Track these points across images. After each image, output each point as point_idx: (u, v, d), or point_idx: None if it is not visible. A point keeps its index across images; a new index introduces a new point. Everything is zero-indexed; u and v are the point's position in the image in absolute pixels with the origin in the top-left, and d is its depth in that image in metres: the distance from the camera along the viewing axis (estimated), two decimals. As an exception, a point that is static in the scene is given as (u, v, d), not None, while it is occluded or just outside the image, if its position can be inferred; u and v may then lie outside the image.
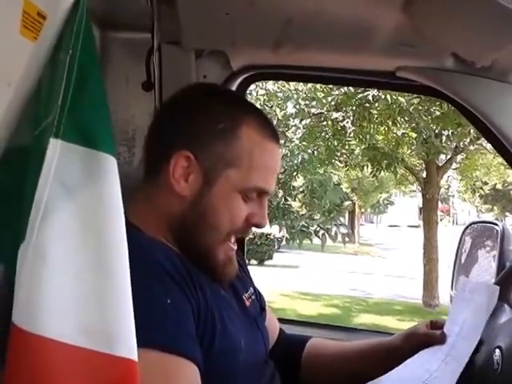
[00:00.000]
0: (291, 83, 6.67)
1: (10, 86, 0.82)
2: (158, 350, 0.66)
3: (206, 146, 0.80)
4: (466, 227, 1.64)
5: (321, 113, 6.69)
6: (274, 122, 6.91)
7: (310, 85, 6.35)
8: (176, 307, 0.71)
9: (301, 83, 6.45)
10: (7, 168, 0.67)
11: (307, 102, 6.67)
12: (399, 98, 5.77)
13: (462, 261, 1.59)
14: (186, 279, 0.75)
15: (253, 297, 0.95)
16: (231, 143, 0.81)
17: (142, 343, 0.57)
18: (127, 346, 0.55)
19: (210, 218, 0.80)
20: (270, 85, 6.97)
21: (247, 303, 0.92)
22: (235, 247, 0.87)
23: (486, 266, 1.52)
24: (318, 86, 6.25)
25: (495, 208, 17.44)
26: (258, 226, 0.85)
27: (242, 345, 0.81)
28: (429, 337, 0.94)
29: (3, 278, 0.64)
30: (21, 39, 0.90)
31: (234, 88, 1.35)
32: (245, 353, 0.81)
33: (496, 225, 1.51)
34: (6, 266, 0.62)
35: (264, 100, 7.01)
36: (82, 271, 0.55)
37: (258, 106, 6.90)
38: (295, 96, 6.66)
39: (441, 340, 0.92)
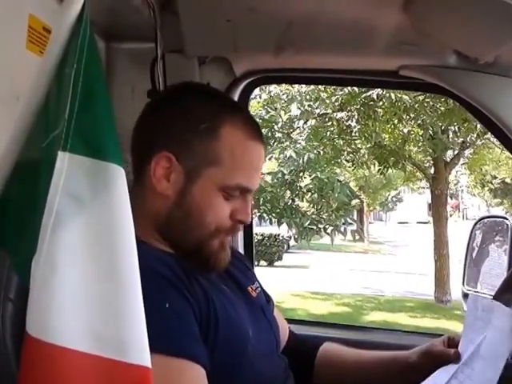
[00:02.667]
0: (294, 85, 6.68)
1: (19, 100, 0.84)
2: (162, 355, 0.67)
3: (187, 145, 0.81)
4: (476, 222, 1.63)
5: (325, 113, 6.69)
6: (279, 124, 6.94)
7: (312, 86, 6.34)
8: (175, 310, 0.72)
9: (304, 85, 6.46)
10: (18, 180, 0.68)
11: (311, 103, 6.66)
12: (403, 95, 5.75)
13: (473, 256, 1.59)
14: (183, 279, 0.76)
15: (259, 289, 0.96)
16: (212, 142, 0.81)
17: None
18: (140, 353, 0.56)
19: (194, 215, 0.81)
20: (273, 88, 6.97)
21: (254, 294, 0.93)
22: (228, 238, 0.87)
23: (498, 260, 1.52)
24: (321, 86, 6.25)
25: (505, 202, 17.29)
26: (242, 222, 0.85)
27: (250, 333, 0.81)
28: (444, 355, 0.93)
29: (19, 290, 0.65)
30: (27, 54, 0.92)
31: (237, 93, 1.36)
32: (253, 342, 0.81)
33: (506, 219, 1.51)
34: (21, 277, 0.64)
35: (267, 102, 7.02)
36: (92, 280, 0.56)
37: (262, 110, 6.94)
38: (298, 98, 6.66)
39: (456, 359, 0.91)
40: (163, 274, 0.74)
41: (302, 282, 8.82)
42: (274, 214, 6.29)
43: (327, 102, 6.38)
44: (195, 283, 0.78)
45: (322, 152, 6.94)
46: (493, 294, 1.12)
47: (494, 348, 0.90)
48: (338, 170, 8.07)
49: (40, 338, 0.55)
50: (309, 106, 6.63)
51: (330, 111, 6.58)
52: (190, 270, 0.80)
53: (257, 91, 6.82)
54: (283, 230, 9.60)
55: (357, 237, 12.04)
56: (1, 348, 0.66)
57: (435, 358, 0.94)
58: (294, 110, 6.95)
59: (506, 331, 0.91)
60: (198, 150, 0.81)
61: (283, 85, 6.72)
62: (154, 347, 0.63)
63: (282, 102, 7.01)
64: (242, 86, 1.36)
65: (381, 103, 6.06)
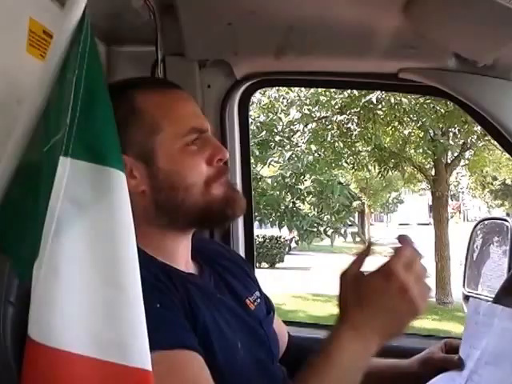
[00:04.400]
0: (294, 89, 6.70)
1: (20, 104, 0.84)
2: (163, 350, 0.66)
3: (124, 138, 0.74)
4: (477, 224, 1.63)
5: (325, 116, 6.69)
6: (279, 128, 6.95)
7: (312, 90, 6.36)
8: (166, 308, 0.71)
9: (303, 89, 6.48)
10: (19, 185, 0.69)
11: (310, 107, 6.67)
12: (403, 98, 5.76)
13: (474, 257, 1.59)
14: (172, 290, 0.75)
15: (258, 300, 0.94)
16: (139, 120, 0.80)
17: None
18: (141, 356, 0.56)
19: (175, 185, 0.80)
20: (274, 92, 7.00)
21: (252, 306, 0.91)
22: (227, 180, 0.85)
23: (498, 262, 1.52)
24: (320, 90, 6.27)
25: (506, 203, 17.28)
26: (221, 160, 0.83)
27: (239, 345, 0.80)
28: (446, 362, 0.92)
29: (20, 294, 0.65)
30: (28, 57, 0.92)
31: (238, 96, 1.36)
32: (242, 353, 0.80)
33: (506, 221, 1.51)
34: (23, 281, 0.64)
35: (268, 106, 7.03)
36: (94, 284, 0.57)
37: (262, 114, 6.96)
38: (298, 102, 6.68)
39: (458, 365, 0.90)
40: (154, 285, 0.73)
41: (303, 284, 8.81)
42: (274, 217, 6.29)
43: (326, 105, 6.39)
44: (184, 295, 0.77)
45: (322, 155, 6.94)
46: (493, 295, 1.12)
47: (501, 352, 0.89)
48: (338, 173, 8.07)
49: (42, 342, 0.55)
50: (308, 110, 6.64)
51: (329, 113, 6.58)
52: (180, 280, 0.79)
53: (258, 96, 6.86)
54: (284, 233, 9.59)
55: (357, 238, 12.01)
56: (1, 352, 0.66)
57: (437, 365, 0.92)
58: (293, 112, 6.96)
59: (509, 330, 0.89)
60: (133, 133, 0.79)
61: (282, 89, 6.75)
62: (156, 344, 0.62)
63: (283, 105, 7.01)
64: (242, 89, 1.37)
65: (380, 106, 6.07)
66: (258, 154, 6.20)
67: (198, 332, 0.74)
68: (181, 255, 0.85)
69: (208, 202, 0.81)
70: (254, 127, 6.51)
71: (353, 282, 0.77)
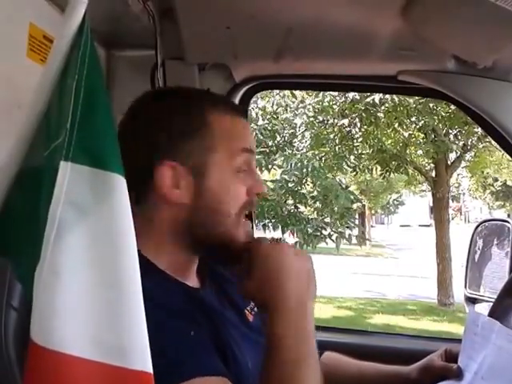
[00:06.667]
0: (298, 96, 6.74)
1: (21, 108, 0.84)
2: (202, 376, 0.66)
3: (182, 148, 0.79)
4: (478, 225, 1.64)
5: (327, 120, 6.72)
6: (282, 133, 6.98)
7: (316, 98, 6.38)
8: (200, 337, 0.71)
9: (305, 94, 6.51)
10: (20, 189, 0.69)
11: (314, 114, 6.70)
12: (402, 101, 5.77)
13: (475, 259, 1.59)
14: (195, 314, 0.75)
15: (255, 309, 0.93)
16: (203, 134, 0.80)
17: (185, 376, 0.62)
18: (142, 358, 0.56)
19: (217, 208, 0.80)
20: (278, 97, 7.04)
21: (250, 317, 0.91)
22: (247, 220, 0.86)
23: (500, 263, 1.52)
24: (320, 96, 6.30)
25: (507, 204, 17.27)
26: (259, 194, 0.85)
27: (250, 366, 0.80)
28: (445, 370, 0.93)
29: (22, 297, 0.65)
30: (28, 62, 0.92)
31: (237, 99, 1.37)
32: (254, 373, 0.79)
33: (507, 222, 1.51)
34: (24, 285, 0.64)
35: (271, 113, 7.07)
36: (95, 287, 0.57)
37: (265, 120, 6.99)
38: (302, 110, 6.72)
39: (457, 375, 0.91)
40: (182, 312, 0.74)
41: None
42: (277, 222, 6.29)
43: (329, 110, 6.41)
44: (206, 317, 0.77)
45: (323, 159, 6.96)
46: (495, 297, 1.12)
47: (497, 370, 0.89)
48: (339, 175, 8.09)
49: (44, 346, 0.55)
50: (313, 117, 6.66)
51: (331, 118, 6.61)
52: (198, 301, 0.79)
53: (261, 102, 6.90)
54: (286, 236, 9.58)
55: (360, 240, 12.02)
56: (4, 355, 0.66)
57: (436, 373, 0.93)
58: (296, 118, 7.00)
59: (506, 350, 0.89)
60: (194, 146, 0.80)
61: (287, 96, 6.79)
62: (194, 372, 0.64)
63: (286, 114, 7.06)
64: (241, 92, 1.37)
65: (382, 107, 6.08)
66: (263, 163, 6.22)
67: (219, 355, 0.74)
68: (191, 271, 0.85)
69: (233, 237, 0.81)
70: (259, 133, 6.54)
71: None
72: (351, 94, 6.07)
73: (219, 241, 0.81)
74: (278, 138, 7.00)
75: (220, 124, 0.82)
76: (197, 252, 0.83)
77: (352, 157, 7.29)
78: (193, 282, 0.85)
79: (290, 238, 6.76)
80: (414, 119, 6.37)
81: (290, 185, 6.22)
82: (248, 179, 0.83)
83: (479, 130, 6.47)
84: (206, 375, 0.67)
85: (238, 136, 0.83)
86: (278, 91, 6.98)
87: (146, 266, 0.74)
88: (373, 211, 18.04)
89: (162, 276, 0.79)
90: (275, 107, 7.16)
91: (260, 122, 6.88)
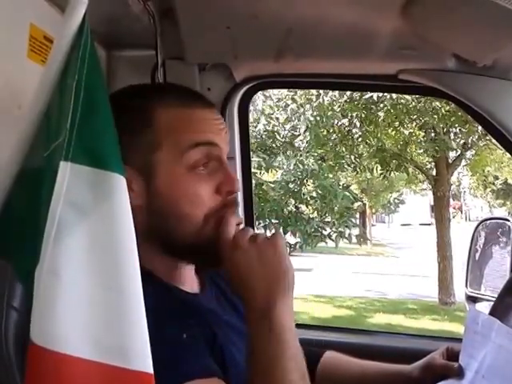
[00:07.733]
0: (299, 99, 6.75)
1: (21, 109, 0.84)
2: (198, 379, 0.66)
3: (128, 148, 0.70)
4: (478, 224, 1.64)
5: (327, 121, 6.72)
6: (282, 134, 6.98)
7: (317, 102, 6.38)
8: (193, 339, 0.70)
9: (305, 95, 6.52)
10: (20, 189, 0.69)
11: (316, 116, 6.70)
12: (401, 99, 5.78)
13: (476, 257, 1.59)
14: (188, 318, 0.73)
15: None
16: (146, 132, 0.74)
17: (179, 379, 0.62)
18: (142, 359, 0.56)
19: (174, 211, 0.73)
20: (277, 99, 7.05)
21: None
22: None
23: (501, 262, 1.52)
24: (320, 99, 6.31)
25: (507, 203, 17.27)
26: (230, 192, 0.76)
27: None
28: (446, 369, 0.93)
29: (23, 298, 0.65)
30: (28, 62, 0.92)
31: (238, 98, 1.37)
32: None
33: (508, 220, 1.52)
34: (25, 285, 0.64)
35: (269, 114, 7.07)
36: (95, 288, 0.57)
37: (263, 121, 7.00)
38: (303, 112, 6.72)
39: (458, 373, 0.91)
40: (178, 314, 0.72)
41: (305, 285, 8.81)
42: (278, 222, 6.30)
43: (329, 112, 6.42)
44: (202, 320, 0.76)
45: (324, 159, 6.97)
46: (496, 295, 1.12)
47: (497, 369, 0.89)
48: (339, 175, 8.10)
49: (44, 346, 0.55)
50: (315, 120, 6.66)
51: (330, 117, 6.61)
52: (193, 304, 0.78)
53: (263, 106, 6.90)
54: (288, 237, 9.59)
55: (361, 240, 12.02)
56: (4, 356, 0.66)
57: (437, 372, 0.93)
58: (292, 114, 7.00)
59: (506, 349, 0.89)
60: (139, 144, 0.74)
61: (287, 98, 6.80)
62: (189, 374, 0.64)
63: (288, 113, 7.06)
64: (242, 92, 1.38)
65: (382, 105, 6.08)
66: (264, 165, 6.22)
67: (215, 358, 0.72)
68: (186, 276, 0.82)
69: (203, 241, 0.74)
70: (258, 134, 6.54)
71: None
72: (349, 93, 6.06)
73: (191, 245, 0.75)
74: (280, 138, 7.00)
75: (166, 118, 0.75)
76: (178, 257, 0.78)
77: (352, 156, 7.30)
78: (191, 286, 0.82)
79: (291, 239, 6.79)
80: (414, 117, 6.36)
81: (290, 185, 6.23)
82: (216, 176, 0.76)
83: (480, 128, 6.47)
84: (197, 378, 0.66)
85: (189, 129, 0.75)
86: (277, 94, 7.01)
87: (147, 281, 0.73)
88: (373, 210, 18.03)
89: (152, 280, 0.75)
90: (275, 109, 7.16)
91: (261, 124, 6.89)
